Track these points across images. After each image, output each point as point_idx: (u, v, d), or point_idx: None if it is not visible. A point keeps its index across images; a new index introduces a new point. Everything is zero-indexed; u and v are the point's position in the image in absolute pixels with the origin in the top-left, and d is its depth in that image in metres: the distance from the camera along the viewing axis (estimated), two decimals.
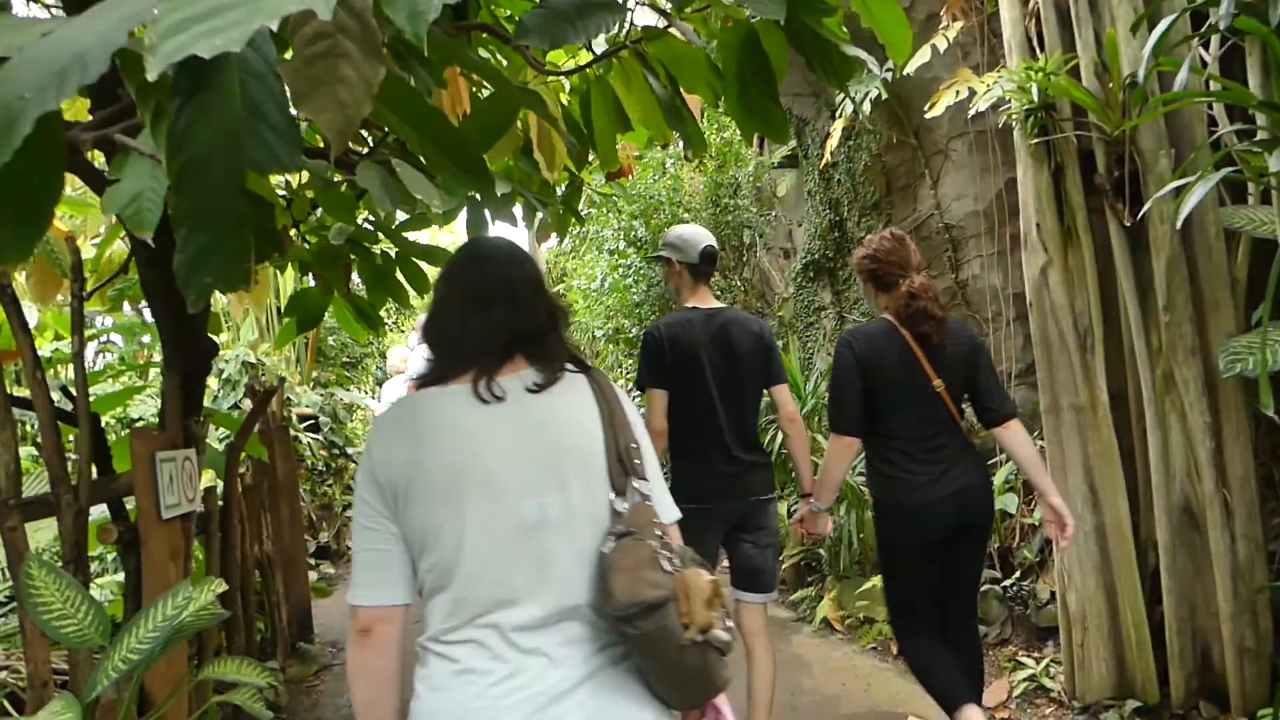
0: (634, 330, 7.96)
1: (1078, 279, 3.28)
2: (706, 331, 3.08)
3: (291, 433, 6.98)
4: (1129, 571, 3.16)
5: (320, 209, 4.35)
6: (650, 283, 7.29)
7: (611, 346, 9.56)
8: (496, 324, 1.41)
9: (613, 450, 1.39)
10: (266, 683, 2.70)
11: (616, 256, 7.70)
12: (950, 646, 2.87)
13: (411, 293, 4.79)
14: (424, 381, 1.47)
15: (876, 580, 4.36)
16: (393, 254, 4.67)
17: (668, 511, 1.49)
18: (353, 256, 4.52)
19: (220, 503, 3.78)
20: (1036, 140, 3.32)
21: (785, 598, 5.26)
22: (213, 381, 7.40)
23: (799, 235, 7.64)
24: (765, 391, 3.18)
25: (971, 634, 2.96)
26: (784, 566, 5.47)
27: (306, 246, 4.59)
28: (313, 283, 4.78)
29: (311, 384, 9.58)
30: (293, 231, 4.47)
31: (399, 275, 4.67)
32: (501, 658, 1.28)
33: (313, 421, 8.08)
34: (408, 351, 10.23)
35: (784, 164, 7.99)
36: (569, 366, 1.47)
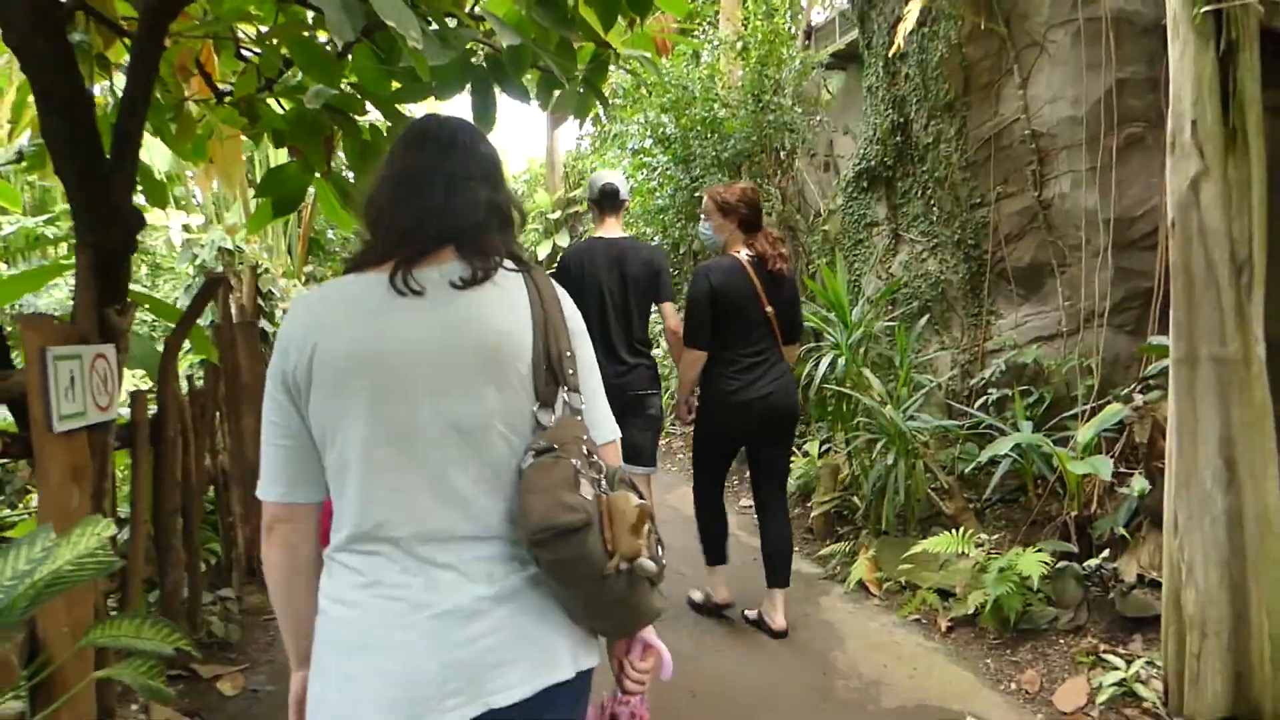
0: (656, 239, 7.24)
1: (1239, 196, 2.57)
2: (606, 257, 3.75)
3: (271, 330, 6.40)
4: (1270, 570, 2.54)
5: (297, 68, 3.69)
6: (678, 186, 6.55)
7: None
8: (426, 211, 1.30)
9: (541, 356, 1.27)
10: (173, 648, 2.13)
11: (642, 155, 6.93)
12: (764, 536, 3.68)
13: None
14: (347, 267, 1.34)
15: (927, 543, 3.77)
16: (384, 130, 3.99)
17: (604, 429, 1.40)
18: (335, 129, 3.85)
19: (153, 410, 3.21)
20: (1207, 8, 2.56)
21: (813, 550, 4.70)
22: (188, 268, 6.79)
23: (843, 144, 6.86)
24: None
25: (784, 517, 3.70)
26: (812, 514, 4.90)
27: (281, 112, 3.92)
28: (289, 158, 4.14)
29: (304, 278, 8.97)
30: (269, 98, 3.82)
31: None
32: (410, 571, 1.19)
33: None
34: None
35: (834, 63, 7.14)
36: (506, 265, 1.33)
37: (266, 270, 6.22)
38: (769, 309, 3.48)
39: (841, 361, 4.39)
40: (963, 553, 3.71)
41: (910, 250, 5.35)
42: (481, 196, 1.33)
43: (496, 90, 3.38)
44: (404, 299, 1.23)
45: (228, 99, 3.86)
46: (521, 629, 1.20)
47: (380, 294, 1.23)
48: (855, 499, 4.81)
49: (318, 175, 4.01)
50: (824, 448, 5.41)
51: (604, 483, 1.25)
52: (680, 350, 3.67)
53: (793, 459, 5.09)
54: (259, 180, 4.23)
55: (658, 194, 6.94)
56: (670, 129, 6.58)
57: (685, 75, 6.47)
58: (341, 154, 4.14)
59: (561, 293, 1.37)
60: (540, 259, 14.89)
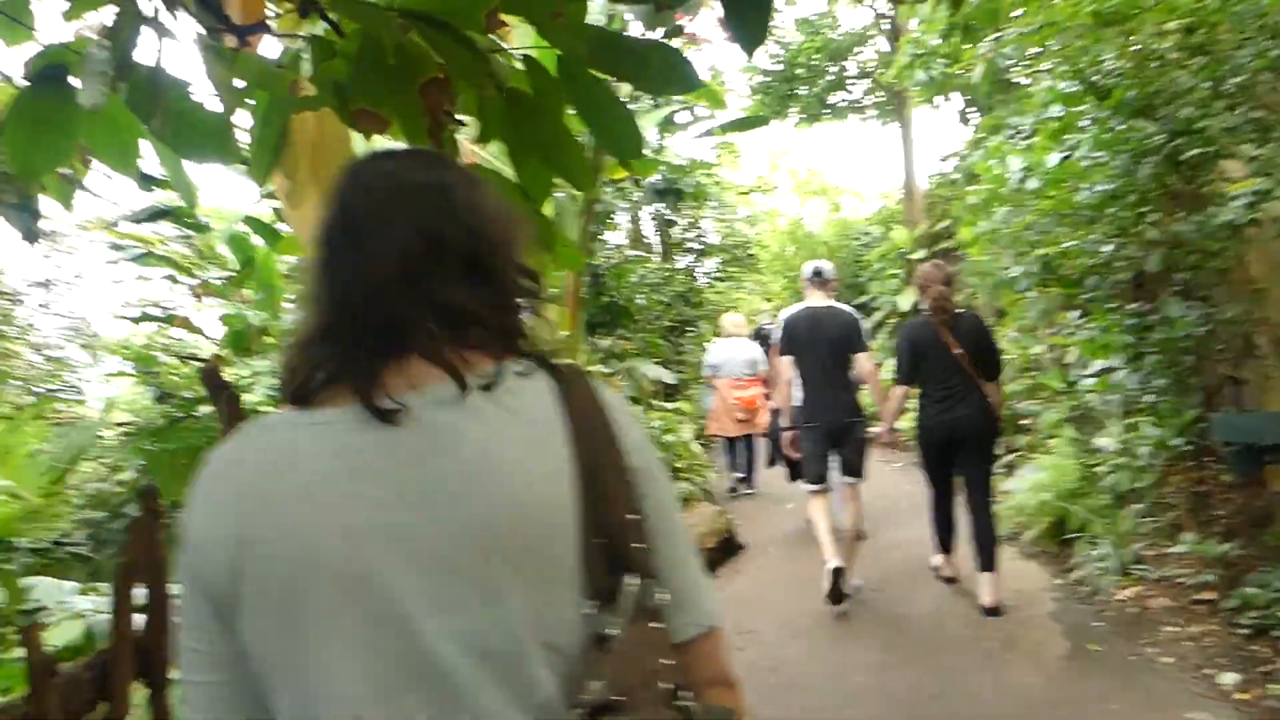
0: (1106, 249, 4.48)
1: None
2: (811, 320, 5.15)
3: None
4: None
5: None
6: (1138, 150, 3.77)
7: (1033, 295, 6.05)
8: (376, 294, 0.88)
9: (593, 526, 0.87)
10: None
11: (1064, 106, 4.23)
12: (972, 531, 4.72)
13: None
14: (286, 396, 0.93)
15: None
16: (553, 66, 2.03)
17: (697, 612, 0.95)
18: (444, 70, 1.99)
19: None
20: None
21: None
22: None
23: None
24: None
25: (983, 515, 4.69)
26: None
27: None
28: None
29: (590, 350, 7.42)
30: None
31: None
32: None
33: None
34: (742, 319, 9.14)
35: None
36: (516, 367, 0.91)
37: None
38: (958, 351, 4.64)
39: None
40: None
41: None
42: (458, 266, 0.91)
43: None
44: (371, 454, 0.83)
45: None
46: None
47: (335, 440, 0.84)
48: None
49: None
50: None
51: None
52: (876, 388, 5.24)
53: None
54: None
55: (1088, 181, 4.21)
56: (1109, 63, 3.86)
57: None
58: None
59: (613, 404, 0.94)
60: (903, 310, 12.19)
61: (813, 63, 14.01)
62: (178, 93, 1.95)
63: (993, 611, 4.53)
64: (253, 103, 2.11)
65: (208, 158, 2.17)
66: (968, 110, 10.11)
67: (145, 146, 2.05)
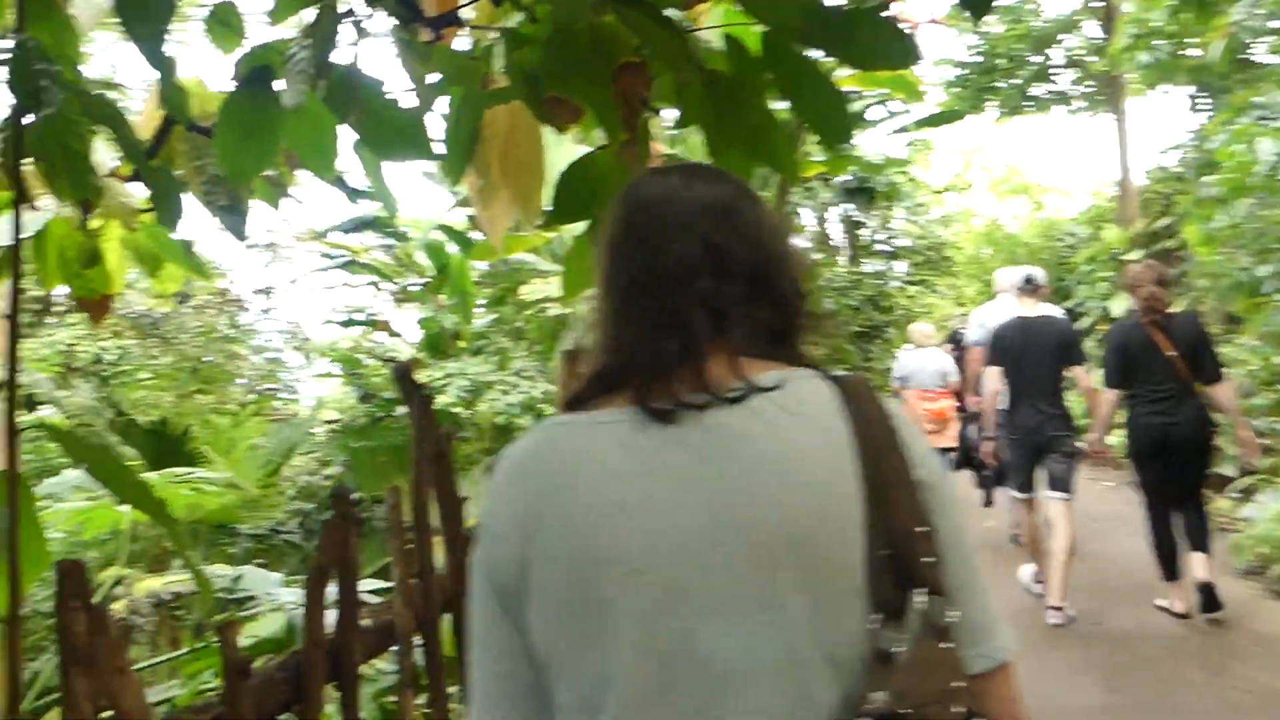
0: None
1: None
2: (1023, 329, 5.01)
3: None
4: None
5: None
6: None
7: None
8: (683, 301, 0.90)
9: (879, 536, 0.83)
10: None
11: None
12: (1183, 518, 4.56)
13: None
14: (570, 397, 0.97)
15: None
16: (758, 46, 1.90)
17: (989, 642, 0.89)
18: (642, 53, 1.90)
19: None
20: None
21: None
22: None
23: None
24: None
25: (1194, 511, 4.60)
26: None
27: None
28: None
29: None
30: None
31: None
32: None
33: None
34: (931, 329, 8.84)
35: None
36: (801, 372, 0.91)
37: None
38: (1171, 353, 4.43)
39: None
40: None
41: None
42: (784, 283, 0.95)
43: None
44: (653, 453, 0.85)
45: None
46: None
47: (619, 443, 0.86)
48: None
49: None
50: None
51: None
52: (1092, 400, 5.06)
53: None
54: (554, 193, 2.19)
55: None
56: None
57: None
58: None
59: (899, 416, 0.90)
60: (1115, 316, 11.21)
61: (1014, 52, 13.22)
62: (372, 91, 1.90)
63: (1207, 589, 4.41)
64: (446, 98, 2.04)
65: (403, 155, 2.14)
66: (1198, 95, 9.19)
67: (350, 159, 2.02)
